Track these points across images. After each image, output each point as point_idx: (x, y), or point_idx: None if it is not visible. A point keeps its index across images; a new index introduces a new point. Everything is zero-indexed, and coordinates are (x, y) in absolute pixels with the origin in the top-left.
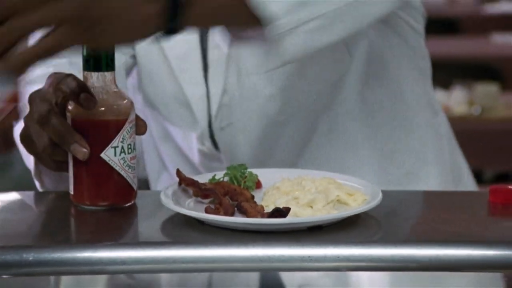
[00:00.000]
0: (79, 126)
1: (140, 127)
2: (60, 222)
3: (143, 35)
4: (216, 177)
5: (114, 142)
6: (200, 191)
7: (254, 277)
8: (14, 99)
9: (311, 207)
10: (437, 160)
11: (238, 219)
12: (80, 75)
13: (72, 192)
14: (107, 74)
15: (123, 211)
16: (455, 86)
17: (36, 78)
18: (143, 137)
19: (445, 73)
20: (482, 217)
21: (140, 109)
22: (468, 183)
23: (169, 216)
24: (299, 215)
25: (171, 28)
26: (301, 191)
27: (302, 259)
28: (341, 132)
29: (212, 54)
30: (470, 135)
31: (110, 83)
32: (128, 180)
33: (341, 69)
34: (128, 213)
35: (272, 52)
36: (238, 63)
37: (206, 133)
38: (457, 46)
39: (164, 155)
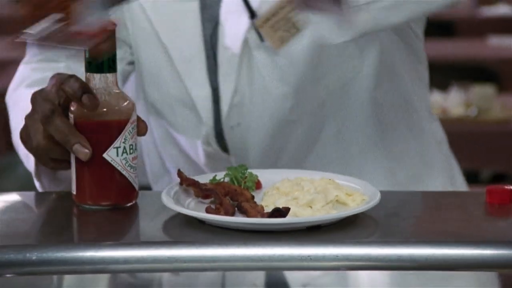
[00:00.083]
0: (82, 127)
1: (141, 128)
2: (62, 222)
3: None
4: (217, 178)
5: (116, 143)
6: (201, 191)
7: (261, 276)
8: (110, 25)
9: (311, 207)
10: (438, 163)
11: (238, 219)
12: None
13: (74, 192)
14: (109, 76)
15: (125, 211)
16: (452, 88)
17: (35, 82)
18: (144, 141)
19: (442, 75)
20: (478, 217)
21: (140, 113)
22: (461, 185)
23: (170, 216)
24: (298, 215)
25: None
26: (300, 191)
27: (302, 258)
28: (349, 134)
29: (222, 56)
30: (467, 136)
31: (112, 84)
32: (130, 180)
33: (352, 70)
34: (130, 213)
35: (344, 24)
36: (251, 63)
37: (212, 134)
38: (454, 48)
39: (166, 159)
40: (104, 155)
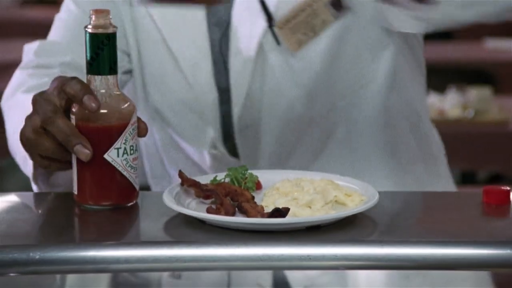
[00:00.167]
0: (83, 128)
1: (141, 129)
2: (64, 222)
3: None
4: (217, 178)
5: (117, 144)
6: (201, 191)
7: (264, 276)
8: None
9: (310, 207)
10: (440, 167)
11: (238, 219)
12: None
13: (76, 192)
14: (110, 78)
15: (126, 211)
16: (449, 90)
17: (32, 87)
18: (145, 145)
19: (440, 78)
20: (476, 217)
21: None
22: (451, 187)
23: (171, 216)
24: (298, 215)
25: None
26: (300, 192)
27: (301, 258)
28: (358, 138)
29: (234, 59)
30: (464, 138)
31: (113, 86)
32: (131, 180)
33: (365, 76)
34: (131, 213)
35: (422, 17)
36: (265, 66)
37: (220, 137)
38: (452, 51)
39: (168, 163)
40: (105, 156)
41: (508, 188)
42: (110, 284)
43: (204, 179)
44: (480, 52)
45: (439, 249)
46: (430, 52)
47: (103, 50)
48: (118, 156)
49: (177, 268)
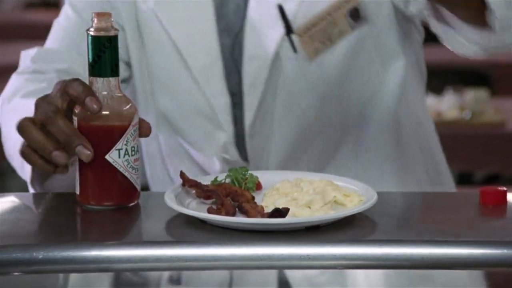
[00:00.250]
0: (85, 129)
1: (145, 129)
2: (67, 222)
3: None
4: (218, 179)
5: (119, 145)
6: (202, 192)
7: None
8: None
9: (309, 207)
10: (442, 171)
11: (239, 219)
12: None
13: (78, 193)
14: (112, 80)
15: (128, 211)
16: (447, 92)
17: (30, 92)
18: (147, 152)
19: (437, 79)
20: (473, 217)
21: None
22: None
23: (172, 216)
24: (297, 215)
25: None
26: (299, 192)
27: (301, 257)
28: (367, 147)
29: (248, 66)
30: (461, 139)
31: (115, 88)
32: (132, 181)
33: (377, 86)
34: (132, 213)
35: (488, 37)
36: (279, 73)
37: (232, 141)
38: (449, 53)
39: (172, 170)
40: (107, 157)
41: (505, 188)
42: (112, 283)
43: (205, 180)
44: None
45: (437, 248)
46: (427, 54)
47: (105, 53)
48: (119, 157)
49: (178, 267)
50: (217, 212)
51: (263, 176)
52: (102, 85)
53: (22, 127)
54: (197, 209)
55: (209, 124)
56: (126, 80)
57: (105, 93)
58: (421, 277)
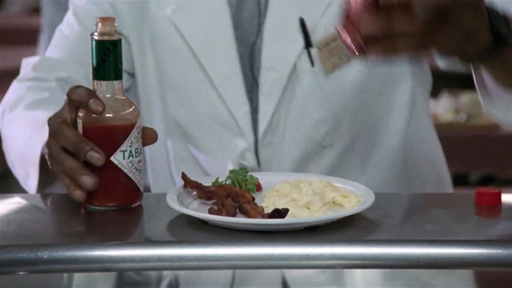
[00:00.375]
0: (90, 132)
1: (150, 135)
2: (71, 222)
3: (475, 46)
4: (219, 180)
5: (123, 147)
6: (203, 193)
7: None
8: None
9: (308, 208)
10: (443, 177)
11: (239, 220)
12: None
13: None
14: (116, 83)
15: (131, 212)
16: (442, 94)
17: (33, 102)
18: (151, 161)
19: (434, 82)
20: (468, 218)
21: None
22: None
23: (174, 217)
24: (297, 216)
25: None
26: (299, 193)
27: (300, 257)
28: (375, 162)
29: (265, 77)
30: (456, 141)
31: (118, 91)
32: (135, 182)
33: (388, 104)
34: (135, 214)
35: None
36: (295, 86)
37: (252, 148)
38: None
39: (177, 175)
40: (111, 158)
41: (500, 190)
42: (115, 283)
43: (206, 181)
44: None
45: (433, 248)
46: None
47: (109, 57)
48: (124, 158)
49: (180, 267)
50: (218, 212)
51: (263, 178)
52: (106, 88)
53: (58, 157)
54: (199, 210)
55: (226, 131)
56: (127, 90)
57: (109, 96)
58: (418, 277)
